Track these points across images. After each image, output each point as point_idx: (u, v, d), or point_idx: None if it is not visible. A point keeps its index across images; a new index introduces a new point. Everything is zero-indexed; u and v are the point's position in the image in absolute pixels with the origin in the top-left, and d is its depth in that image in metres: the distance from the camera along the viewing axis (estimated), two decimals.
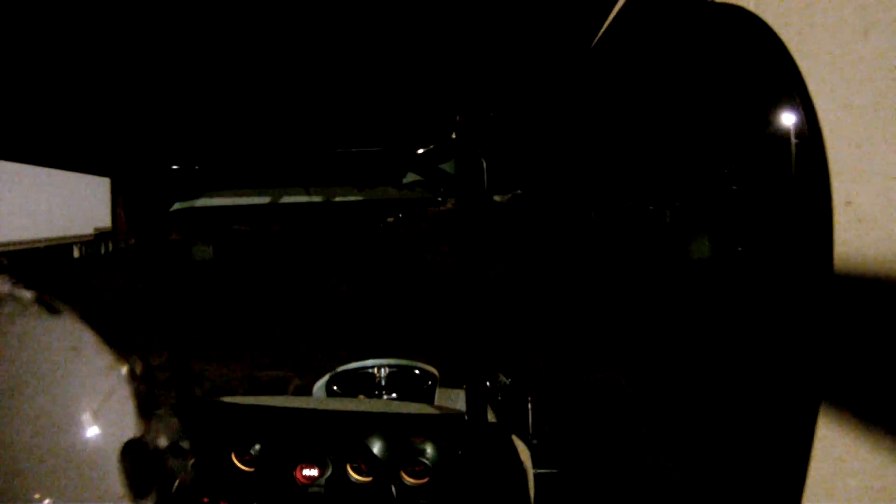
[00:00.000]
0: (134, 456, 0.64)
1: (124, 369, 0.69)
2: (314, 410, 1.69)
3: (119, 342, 0.72)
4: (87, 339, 0.66)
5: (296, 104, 1.38)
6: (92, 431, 0.60)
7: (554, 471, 1.97)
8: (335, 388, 2.39)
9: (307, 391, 2.62)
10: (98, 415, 0.61)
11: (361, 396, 2.30)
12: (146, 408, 0.69)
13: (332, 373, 2.52)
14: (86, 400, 0.61)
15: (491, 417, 1.69)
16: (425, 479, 1.44)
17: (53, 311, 0.67)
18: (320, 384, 2.50)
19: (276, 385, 2.68)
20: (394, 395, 2.35)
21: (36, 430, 0.57)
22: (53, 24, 0.88)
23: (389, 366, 2.49)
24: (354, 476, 1.46)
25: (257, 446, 1.51)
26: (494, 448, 1.44)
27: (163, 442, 0.70)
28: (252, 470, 1.50)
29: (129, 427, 0.65)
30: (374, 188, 2.15)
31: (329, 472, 1.47)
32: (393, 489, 1.41)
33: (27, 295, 0.68)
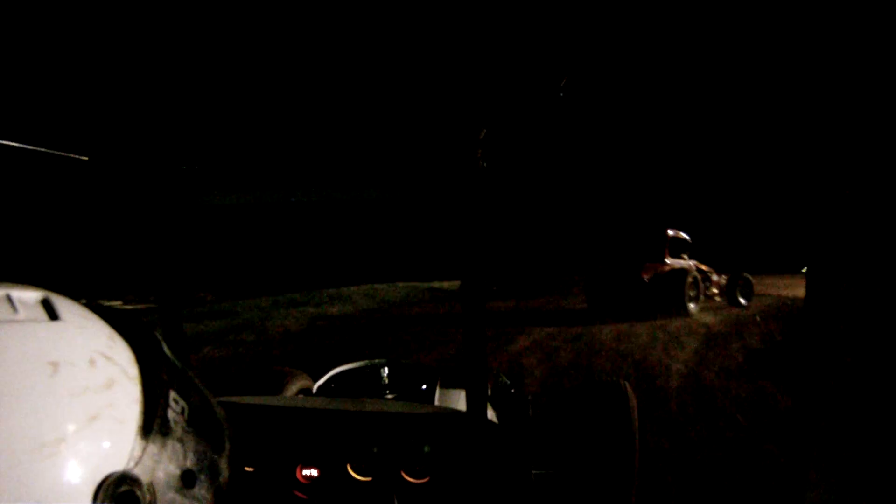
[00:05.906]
0: (115, 487, 0.52)
1: (128, 387, 0.55)
2: (314, 410, 1.69)
3: (139, 355, 0.59)
4: (77, 352, 0.53)
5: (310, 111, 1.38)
6: (61, 459, 0.49)
7: (552, 472, 1.97)
8: (335, 387, 2.40)
9: (307, 391, 2.62)
10: (74, 440, 0.49)
11: (362, 397, 2.31)
12: (148, 431, 0.55)
13: (333, 373, 2.53)
14: (59, 423, 0.49)
15: (491, 417, 1.69)
16: (425, 479, 1.44)
17: (53, 317, 0.55)
18: (320, 384, 2.51)
19: (277, 384, 2.69)
20: (394, 395, 2.36)
21: None
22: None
23: (389, 366, 2.49)
24: (354, 476, 1.46)
25: (257, 446, 1.51)
26: (494, 448, 1.44)
27: (161, 473, 0.56)
28: (252, 470, 1.50)
29: (118, 455, 0.52)
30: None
31: (329, 473, 1.47)
32: (393, 489, 1.41)
33: (31, 297, 0.57)
